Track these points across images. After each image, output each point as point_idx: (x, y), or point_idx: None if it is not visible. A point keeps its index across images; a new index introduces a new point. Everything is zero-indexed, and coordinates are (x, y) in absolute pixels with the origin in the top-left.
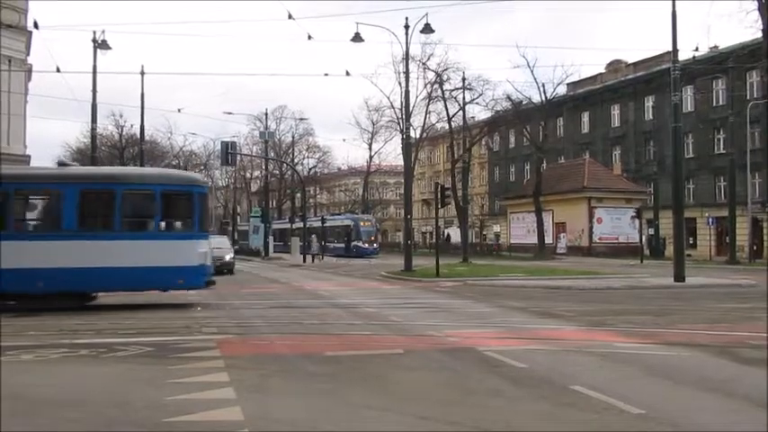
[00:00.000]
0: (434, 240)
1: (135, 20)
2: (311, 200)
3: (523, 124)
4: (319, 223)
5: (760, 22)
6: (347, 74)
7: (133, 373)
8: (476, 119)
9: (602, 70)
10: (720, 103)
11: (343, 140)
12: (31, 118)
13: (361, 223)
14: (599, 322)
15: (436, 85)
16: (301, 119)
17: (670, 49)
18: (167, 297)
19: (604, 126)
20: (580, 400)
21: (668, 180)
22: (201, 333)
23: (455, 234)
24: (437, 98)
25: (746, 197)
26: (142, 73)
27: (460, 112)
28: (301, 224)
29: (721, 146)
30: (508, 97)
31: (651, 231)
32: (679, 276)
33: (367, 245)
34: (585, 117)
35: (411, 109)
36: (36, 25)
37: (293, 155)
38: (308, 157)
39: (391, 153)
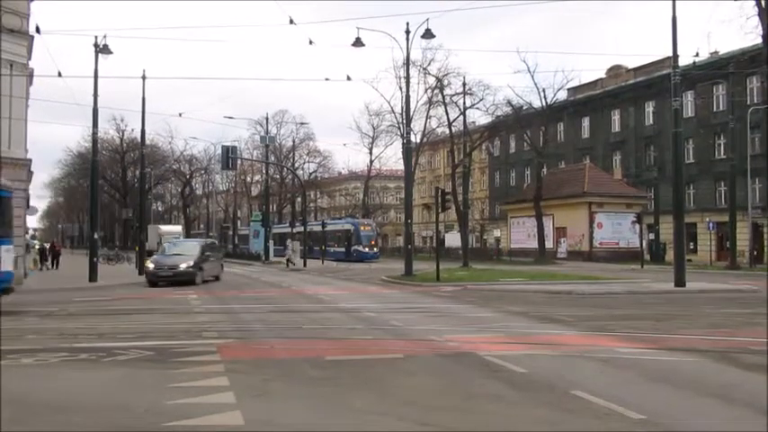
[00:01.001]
0: (435, 245)
1: (137, 24)
2: (312, 204)
3: (524, 129)
4: (320, 227)
5: (760, 27)
6: (348, 78)
7: (134, 378)
8: (476, 124)
9: (603, 75)
10: (721, 108)
11: (344, 145)
12: (32, 122)
13: (362, 227)
14: (599, 327)
15: (437, 90)
16: (302, 123)
17: (670, 54)
18: (168, 300)
19: (605, 131)
20: (581, 405)
21: (668, 185)
22: (202, 337)
23: (452, 239)
24: (438, 103)
25: (747, 202)
26: (143, 77)
27: (461, 116)
28: (302, 228)
29: (722, 151)
30: (509, 102)
31: (651, 236)
32: (680, 281)
33: (367, 249)
34: (586, 122)
35: (412, 114)
36: (38, 30)
37: (294, 159)
38: (308, 162)
39: (392, 158)
